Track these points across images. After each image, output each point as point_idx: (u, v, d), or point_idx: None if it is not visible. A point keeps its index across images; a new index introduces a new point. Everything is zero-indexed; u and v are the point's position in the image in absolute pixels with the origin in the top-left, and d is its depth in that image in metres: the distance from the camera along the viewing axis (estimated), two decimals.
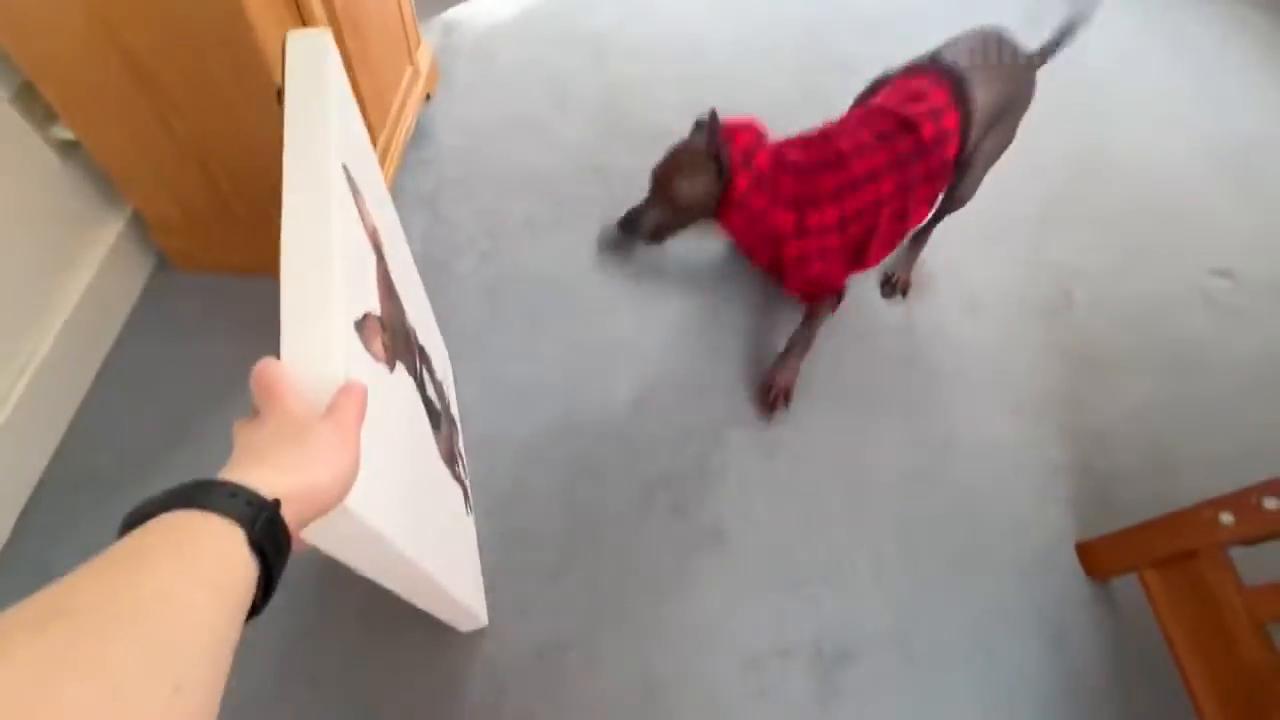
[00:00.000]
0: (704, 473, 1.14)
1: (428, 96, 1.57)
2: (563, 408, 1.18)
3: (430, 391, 0.79)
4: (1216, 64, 2.17)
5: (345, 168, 0.56)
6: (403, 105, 1.38)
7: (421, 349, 0.79)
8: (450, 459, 0.87)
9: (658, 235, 1.16)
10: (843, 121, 1.18)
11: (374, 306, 0.56)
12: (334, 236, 0.49)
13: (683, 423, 1.19)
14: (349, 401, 0.41)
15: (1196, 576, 0.95)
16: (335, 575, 0.85)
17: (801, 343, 1.22)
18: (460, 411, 1.14)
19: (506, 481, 1.09)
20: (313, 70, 0.59)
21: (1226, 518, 0.88)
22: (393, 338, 0.60)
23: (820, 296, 1.22)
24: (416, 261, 1.30)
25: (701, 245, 1.43)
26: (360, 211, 0.58)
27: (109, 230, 1.18)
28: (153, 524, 0.29)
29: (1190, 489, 1.02)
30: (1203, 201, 1.72)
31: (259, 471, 0.34)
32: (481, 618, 0.94)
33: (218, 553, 0.29)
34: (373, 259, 0.59)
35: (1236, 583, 0.90)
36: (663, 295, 1.34)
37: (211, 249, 1.22)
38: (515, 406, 1.17)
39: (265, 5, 0.85)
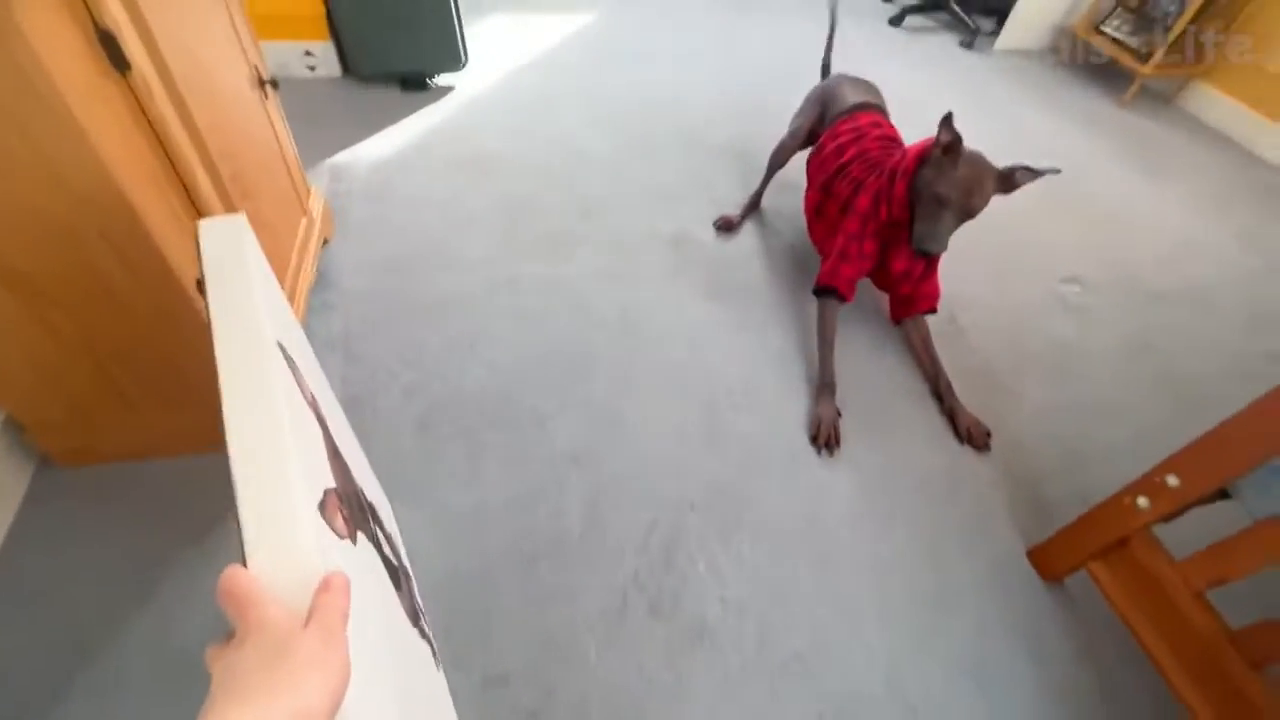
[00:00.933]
0: (671, 565, 1.13)
1: (325, 241, 1.57)
2: (515, 529, 1.14)
3: (386, 549, 0.75)
4: (1008, 107, 2.58)
5: (280, 345, 0.55)
6: (301, 255, 1.37)
7: (371, 506, 0.75)
8: (414, 615, 0.82)
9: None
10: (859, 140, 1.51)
11: (329, 480, 0.53)
12: (282, 419, 0.47)
13: (639, 517, 1.18)
14: (331, 601, 0.38)
15: (1133, 561, 1.03)
16: None
17: (945, 380, 1.44)
18: (410, 557, 1.08)
19: (469, 622, 1.03)
20: (231, 254, 0.58)
21: (1142, 501, 0.98)
22: (349, 507, 0.57)
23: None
24: (345, 406, 1.26)
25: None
26: (299, 384, 0.57)
27: None
28: None
29: (1104, 479, 1.12)
30: (1040, 226, 2.00)
31: (245, 711, 0.31)
32: None
33: None
34: (318, 430, 0.57)
35: (1168, 558, 0.99)
36: (607, 395, 1.36)
37: (102, 440, 1.12)
38: (466, 539, 1.12)
39: (150, 192, 0.84)
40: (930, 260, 1.42)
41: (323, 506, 0.48)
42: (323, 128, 1.92)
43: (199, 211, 0.95)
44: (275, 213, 1.23)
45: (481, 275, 1.57)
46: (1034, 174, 1.24)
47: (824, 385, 1.38)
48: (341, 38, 2.04)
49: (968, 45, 2.99)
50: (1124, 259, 1.93)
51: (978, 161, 1.25)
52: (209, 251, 0.59)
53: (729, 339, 1.51)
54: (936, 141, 1.25)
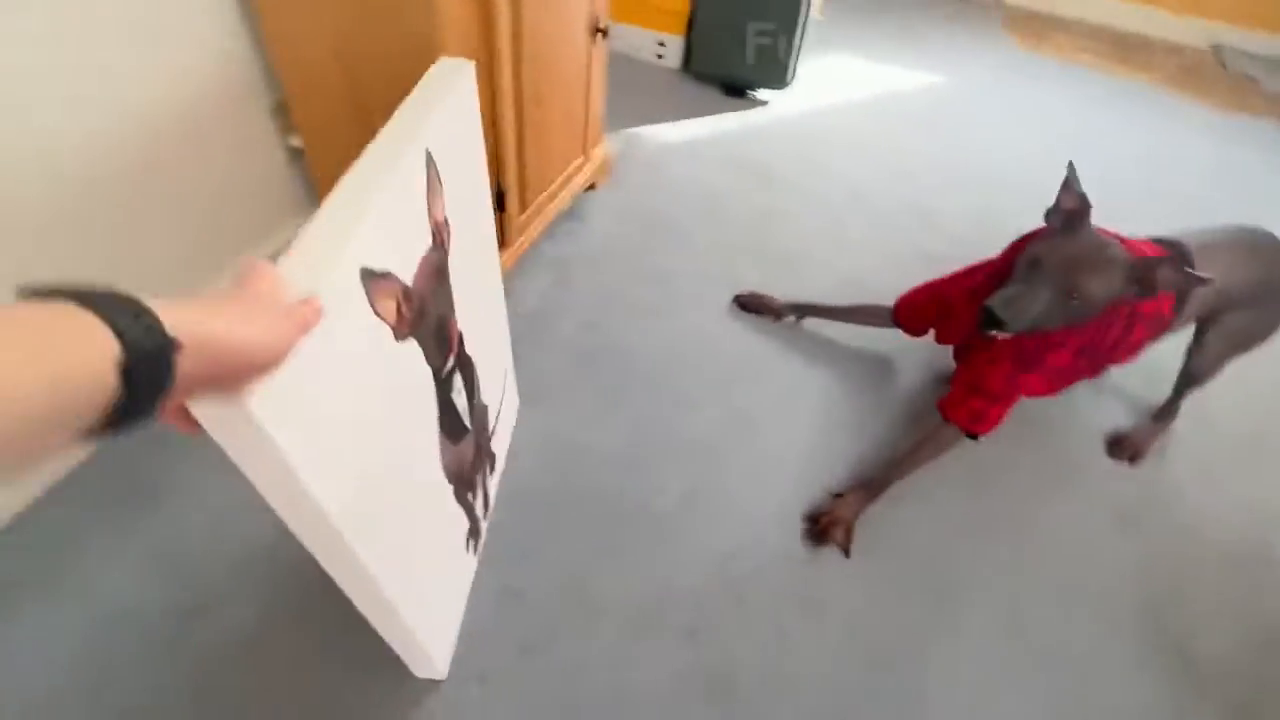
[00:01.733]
0: (739, 602, 0.99)
1: (592, 185, 1.74)
2: (608, 481, 1.12)
3: (461, 400, 0.79)
4: None
5: (429, 154, 0.61)
6: (564, 182, 1.54)
7: (467, 357, 0.80)
8: (462, 480, 0.85)
9: (1033, 325, 0.97)
10: None
11: (403, 275, 0.57)
12: (377, 194, 0.52)
13: (731, 541, 1.06)
14: (304, 309, 0.41)
15: None
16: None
17: (885, 476, 1.11)
18: (508, 455, 1.13)
19: (523, 538, 1.03)
20: (438, 82, 0.67)
21: None
22: (417, 316, 0.61)
23: (978, 421, 1.08)
24: (528, 315, 1.39)
25: (832, 354, 1.35)
26: (430, 198, 0.62)
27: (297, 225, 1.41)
28: (36, 302, 0.28)
29: None
30: None
31: (199, 304, 0.33)
32: (439, 667, 0.85)
33: (77, 354, 0.27)
34: (425, 243, 0.62)
35: None
36: (758, 405, 1.26)
37: None
38: (562, 469, 1.13)
39: (458, 42, 0.99)
40: (997, 353, 1.05)
41: (374, 277, 0.51)
42: (641, 104, 2.14)
43: (492, 90, 1.12)
44: (556, 135, 1.39)
45: (703, 262, 1.58)
46: (1185, 278, 0.88)
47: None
48: (692, 35, 2.24)
49: None
50: None
51: (1102, 241, 0.93)
52: (429, 76, 0.68)
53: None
54: (1054, 206, 0.97)
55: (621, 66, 2.34)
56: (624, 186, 1.79)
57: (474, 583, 0.97)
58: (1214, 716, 0.94)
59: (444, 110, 0.64)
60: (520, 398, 1.21)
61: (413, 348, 0.62)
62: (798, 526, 1.09)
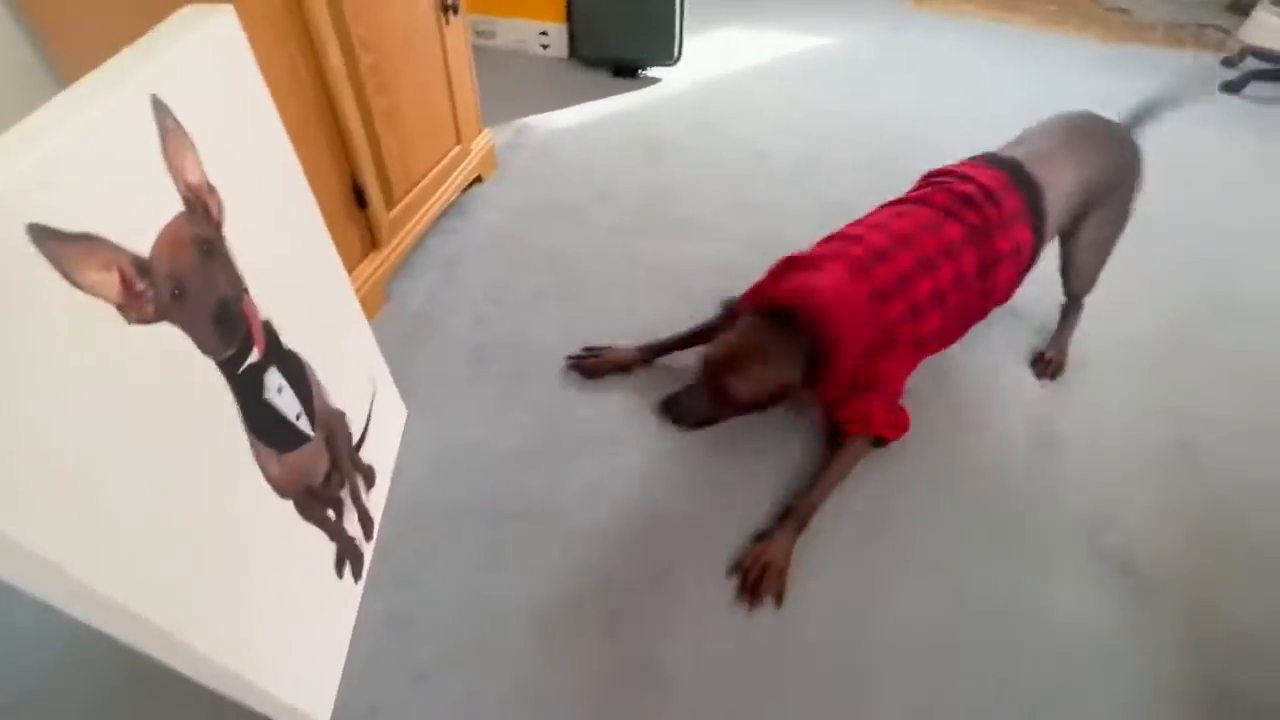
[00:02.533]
0: (655, 586, 0.90)
1: (479, 179, 1.65)
2: (505, 483, 1.02)
3: (285, 402, 0.68)
4: None
5: (158, 100, 0.51)
6: (442, 176, 1.44)
7: (289, 353, 0.69)
8: (313, 495, 0.74)
9: (706, 424, 1.01)
10: (879, 213, 1.08)
11: (129, 242, 0.47)
12: (59, 138, 0.42)
13: (638, 526, 0.97)
14: None
15: None
16: None
17: (808, 505, 0.96)
18: (395, 469, 1.02)
19: (416, 554, 0.92)
20: (175, 26, 0.57)
21: None
22: (170, 294, 0.51)
23: (873, 425, 1.00)
24: (414, 317, 1.28)
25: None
26: (171, 155, 0.52)
27: None
28: None
29: None
30: None
31: None
32: (316, 715, 0.74)
33: None
34: (170, 208, 0.52)
35: None
36: (661, 388, 1.18)
37: None
38: (456, 475, 1.03)
39: (266, 36, 0.89)
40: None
41: (58, 239, 0.41)
42: (529, 94, 2.06)
43: (324, 81, 1.01)
44: (415, 126, 1.30)
45: (600, 241, 1.50)
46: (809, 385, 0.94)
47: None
48: (574, 22, 2.18)
49: None
50: None
51: (750, 340, 0.94)
52: (167, 19, 0.58)
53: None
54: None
55: (508, 60, 2.26)
56: (512, 177, 1.70)
57: (360, 612, 0.85)
58: (1169, 619, 0.90)
59: (181, 54, 0.54)
60: (408, 406, 1.10)
61: (169, 335, 0.51)
62: (726, 506, 1.00)
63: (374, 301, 1.26)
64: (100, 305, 0.45)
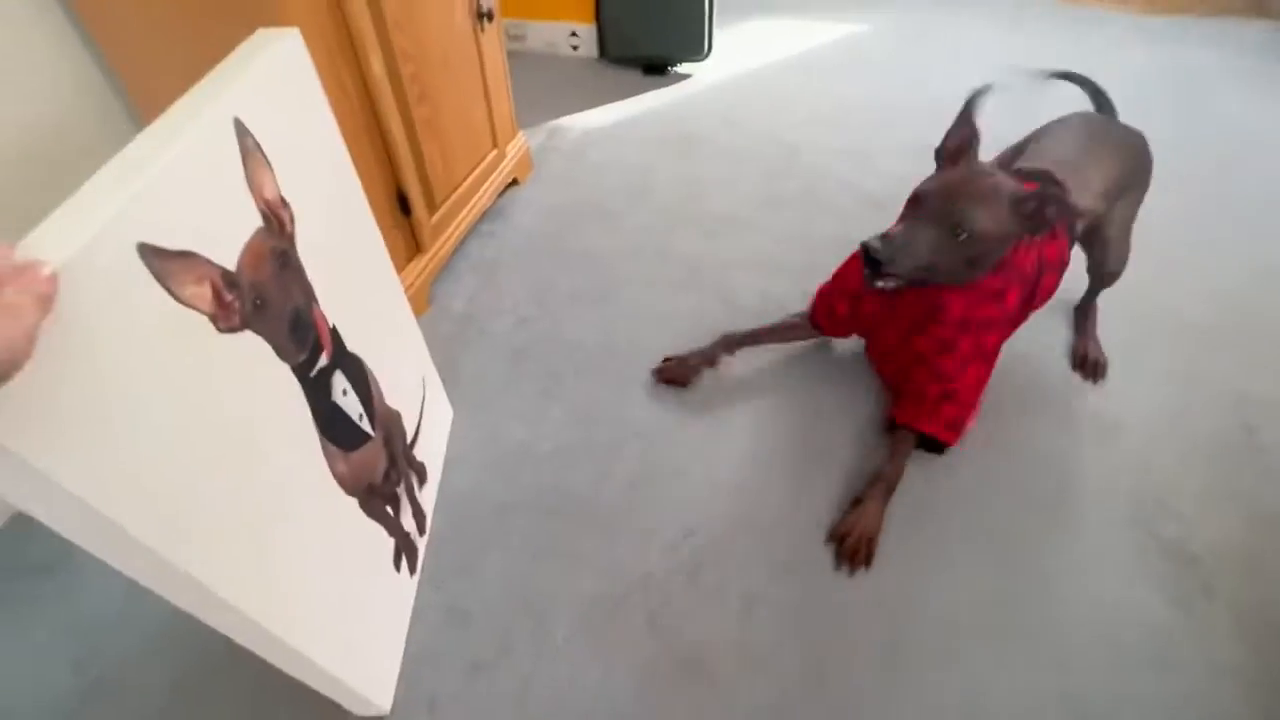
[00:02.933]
0: (696, 582, 0.92)
1: (515, 181, 1.68)
2: (552, 477, 1.05)
3: (350, 403, 0.72)
4: None
5: (240, 123, 0.54)
6: (480, 180, 1.47)
7: (351, 355, 0.73)
8: (374, 492, 0.77)
9: (912, 277, 0.88)
10: None
11: (220, 258, 0.51)
12: (162, 162, 0.45)
13: (681, 518, 0.99)
14: (25, 277, 0.34)
15: None
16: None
17: (887, 480, 0.98)
18: (445, 465, 1.06)
19: (466, 549, 0.96)
20: (251, 50, 0.60)
21: None
22: (253, 305, 0.54)
23: (952, 426, 1.00)
24: (457, 319, 1.32)
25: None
26: (252, 174, 0.55)
27: None
28: None
29: None
30: None
31: None
32: (379, 704, 0.77)
33: None
34: (251, 224, 0.55)
35: None
36: (702, 389, 1.19)
37: None
38: (503, 469, 1.06)
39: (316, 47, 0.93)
40: (948, 352, 0.97)
41: (163, 257, 0.44)
42: (561, 96, 2.08)
43: (369, 92, 1.05)
44: (455, 132, 1.33)
45: (635, 240, 1.52)
46: (1071, 209, 0.84)
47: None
48: (603, 22, 2.19)
49: None
50: None
51: (987, 173, 0.86)
52: (243, 44, 0.61)
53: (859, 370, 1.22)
54: (942, 142, 0.92)
55: (539, 63, 2.29)
56: (547, 179, 1.73)
57: (416, 604, 0.89)
58: (1225, 611, 0.88)
59: (256, 77, 0.58)
60: (454, 405, 1.14)
61: (253, 342, 0.55)
62: (752, 497, 1.02)
63: (419, 304, 1.30)
64: (195, 315, 0.48)
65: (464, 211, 1.43)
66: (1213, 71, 2.10)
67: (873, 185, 1.68)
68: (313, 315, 0.64)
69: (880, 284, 0.88)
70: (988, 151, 0.96)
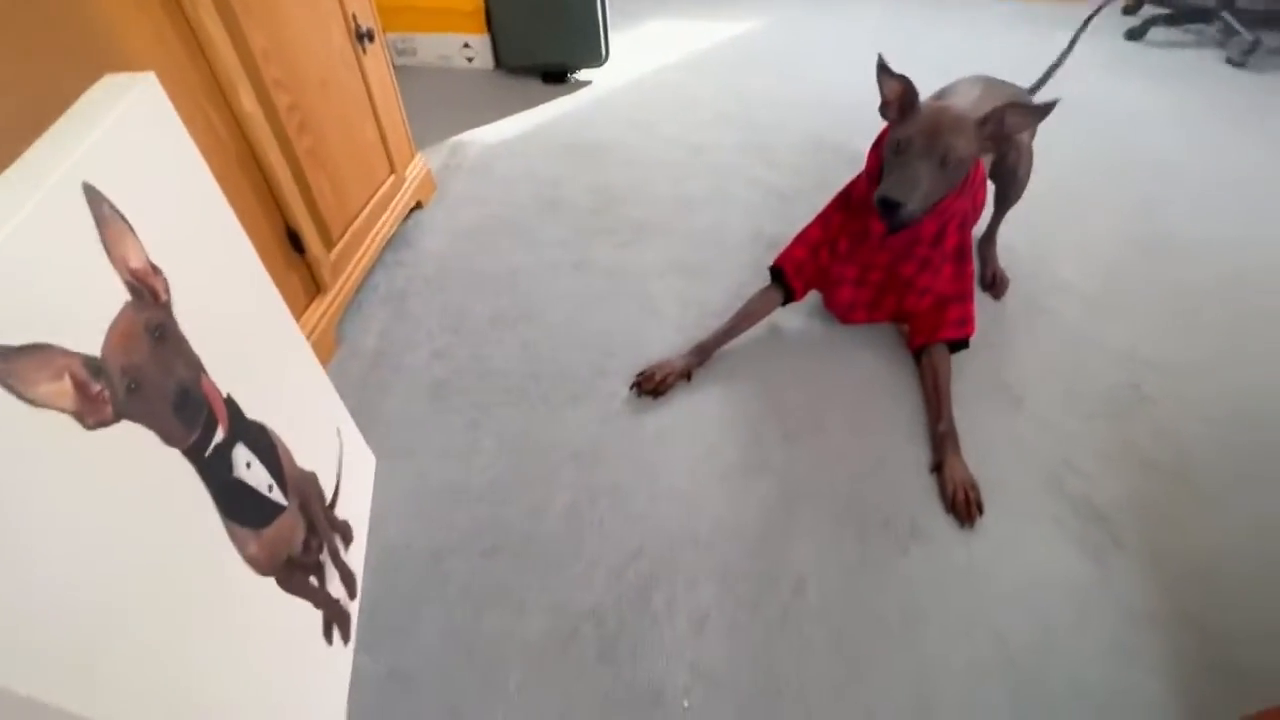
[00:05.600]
0: (644, 608, 0.91)
1: (419, 205, 1.61)
2: (487, 515, 1.01)
3: (257, 476, 0.66)
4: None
5: (90, 188, 0.48)
6: (380, 208, 1.40)
7: (253, 424, 0.67)
8: (293, 565, 0.71)
9: (926, 200, 1.00)
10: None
11: (79, 344, 0.45)
12: None
13: (626, 541, 0.98)
14: None
15: None
16: None
17: (947, 432, 1.09)
18: (371, 519, 1.00)
19: (402, 606, 0.90)
20: (96, 104, 0.54)
21: None
22: (127, 391, 0.48)
23: (965, 323, 1.17)
24: (370, 358, 1.25)
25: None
26: (111, 243, 0.49)
27: None
28: None
29: None
30: None
31: None
32: None
33: None
34: (118, 298, 0.49)
35: None
36: (635, 400, 1.19)
37: None
38: (434, 513, 1.01)
39: (177, 87, 0.85)
40: (953, 264, 1.16)
41: (8, 356, 0.38)
42: (460, 111, 2.02)
43: (242, 130, 0.97)
44: (347, 157, 1.26)
45: (551, 255, 1.49)
46: (1031, 112, 0.97)
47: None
48: (496, 32, 2.14)
49: (1239, 63, 2.36)
50: None
51: (945, 106, 1.03)
52: (85, 96, 0.54)
53: (802, 363, 1.26)
54: (882, 101, 1.04)
55: (433, 77, 2.21)
56: (453, 199, 1.67)
57: (353, 674, 0.83)
58: (1134, 560, 0.96)
59: (107, 131, 0.51)
60: (375, 451, 1.08)
61: (131, 433, 0.49)
62: (693, 507, 1.02)
63: (326, 347, 1.22)
64: (55, 416, 0.42)
65: (365, 243, 1.35)
66: (1086, 53, 2.31)
67: (777, 179, 1.72)
68: (202, 389, 0.58)
69: (902, 225, 1.03)
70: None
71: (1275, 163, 1.83)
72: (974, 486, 1.02)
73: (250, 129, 0.98)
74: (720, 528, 1.00)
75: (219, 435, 0.60)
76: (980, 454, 1.09)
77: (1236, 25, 2.40)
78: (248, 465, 0.65)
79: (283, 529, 0.70)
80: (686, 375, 1.20)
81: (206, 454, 0.58)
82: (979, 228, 1.34)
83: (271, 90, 1.01)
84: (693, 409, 1.17)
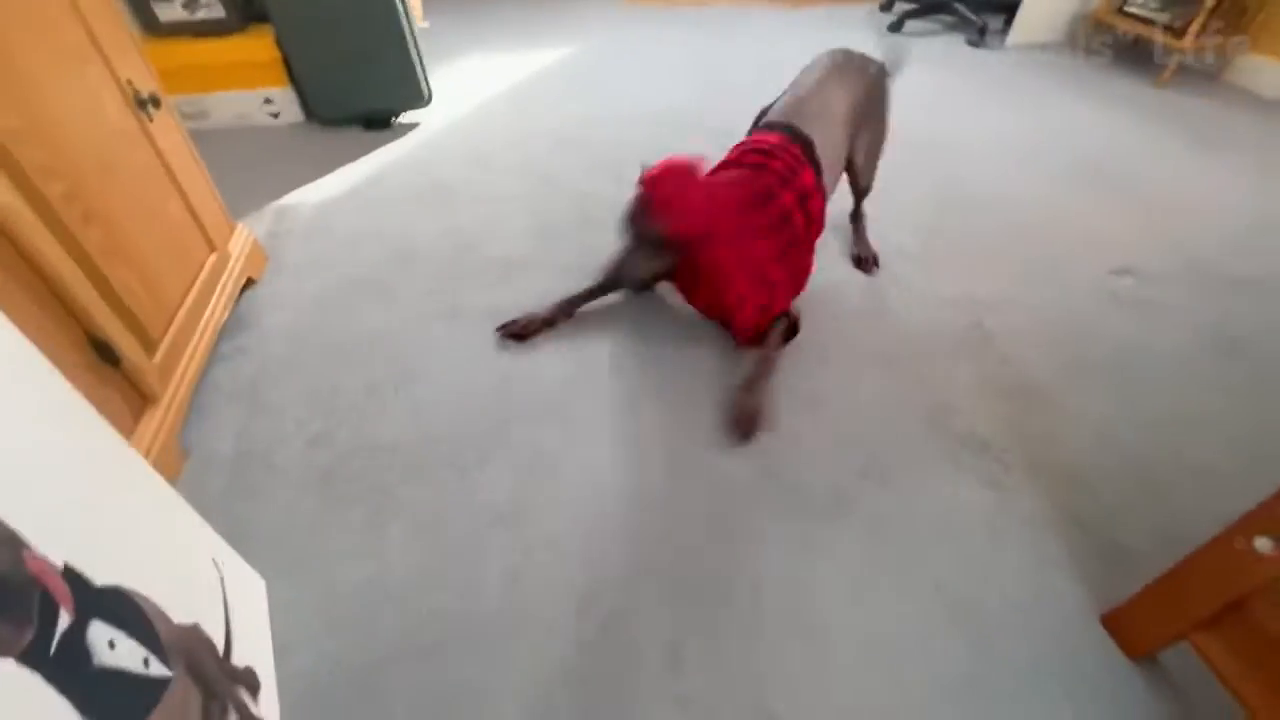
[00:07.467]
0: (614, 649, 0.86)
1: (250, 281, 1.42)
2: (418, 608, 0.90)
3: (126, 655, 0.52)
4: (1035, 99, 2.34)
5: None
6: (205, 294, 1.22)
7: (109, 592, 0.53)
8: None
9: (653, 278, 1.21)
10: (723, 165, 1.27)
11: None
12: None
13: (575, 588, 0.92)
14: None
15: (1259, 630, 0.72)
16: None
17: (764, 365, 1.20)
18: (278, 649, 0.85)
19: None
20: None
21: (1262, 543, 0.67)
22: None
23: (767, 311, 1.22)
24: (230, 464, 1.07)
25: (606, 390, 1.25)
26: None
27: None
28: None
29: (1197, 512, 0.82)
30: (1080, 215, 1.72)
31: None
32: None
33: None
34: None
35: None
36: (545, 436, 1.13)
37: None
38: (355, 623, 0.88)
39: None
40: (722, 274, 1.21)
41: None
42: (273, 171, 1.83)
43: (7, 234, 0.79)
44: (152, 244, 1.07)
45: (418, 309, 1.38)
46: (657, 223, 1.13)
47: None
48: (300, 83, 1.97)
49: (976, 44, 2.79)
50: (1186, 244, 1.61)
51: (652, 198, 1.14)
52: None
53: (696, 363, 1.27)
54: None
55: (234, 139, 1.99)
56: (291, 268, 1.50)
57: None
58: (1021, 478, 1.07)
59: None
60: (264, 569, 0.92)
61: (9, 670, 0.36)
62: (635, 527, 0.99)
63: (170, 464, 1.03)
64: None
65: (195, 337, 1.17)
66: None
67: (625, 192, 1.74)
68: (26, 569, 0.45)
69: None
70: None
71: (1025, 122, 2.16)
72: (764, 413, 1.14)
73: (17, 231, 0.79)
74: (665, 546, 0.97)
75: (64, 621, 0.47)
76: (869, 415, 1.16)
77: (966, 12, 2.83)
78: (111, 645, 0.51)
79: (173, 704, 0.57)
80: (553, 324, 1.32)
81: (51, 651, 0.45)
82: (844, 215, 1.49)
83: (35, 178, 0.83)
84: (615, 434, 1.13)
